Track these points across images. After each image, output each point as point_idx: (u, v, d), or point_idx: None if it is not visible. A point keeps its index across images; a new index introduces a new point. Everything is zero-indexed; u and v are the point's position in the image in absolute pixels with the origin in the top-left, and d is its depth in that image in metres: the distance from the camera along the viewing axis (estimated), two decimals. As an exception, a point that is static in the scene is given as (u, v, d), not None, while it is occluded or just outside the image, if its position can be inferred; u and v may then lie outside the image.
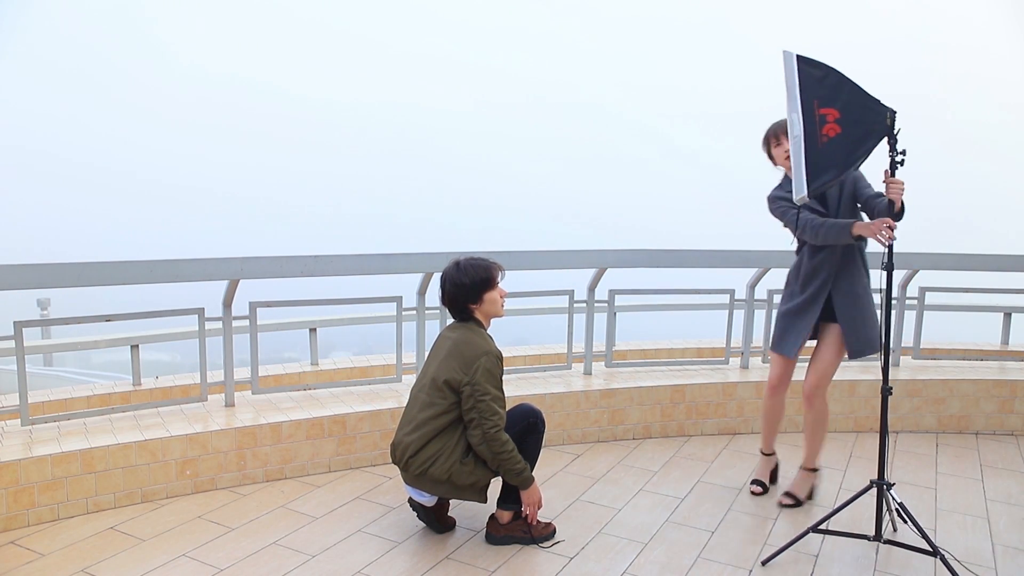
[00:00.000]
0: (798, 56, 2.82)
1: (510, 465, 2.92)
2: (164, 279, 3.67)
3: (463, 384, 2.89)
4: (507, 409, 3.14)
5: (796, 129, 2.80)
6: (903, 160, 2.78)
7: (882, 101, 2.75)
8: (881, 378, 2.89)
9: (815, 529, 2.93)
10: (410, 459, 2.94)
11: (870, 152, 2.79)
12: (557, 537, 3.13)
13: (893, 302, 5.02)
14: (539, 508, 3.06)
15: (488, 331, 3.09)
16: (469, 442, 2.93)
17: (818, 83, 2.78)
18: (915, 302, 5.02)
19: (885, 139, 2.76)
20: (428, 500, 3.07)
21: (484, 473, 2.97)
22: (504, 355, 5.31)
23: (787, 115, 2.86)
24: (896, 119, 2.73)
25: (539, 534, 3.10)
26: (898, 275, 5.03)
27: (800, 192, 2.81)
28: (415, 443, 2.93)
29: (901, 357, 4.99)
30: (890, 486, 2.89)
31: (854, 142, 2.77)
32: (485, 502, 3.04)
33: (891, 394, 2.90)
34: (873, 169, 2.88)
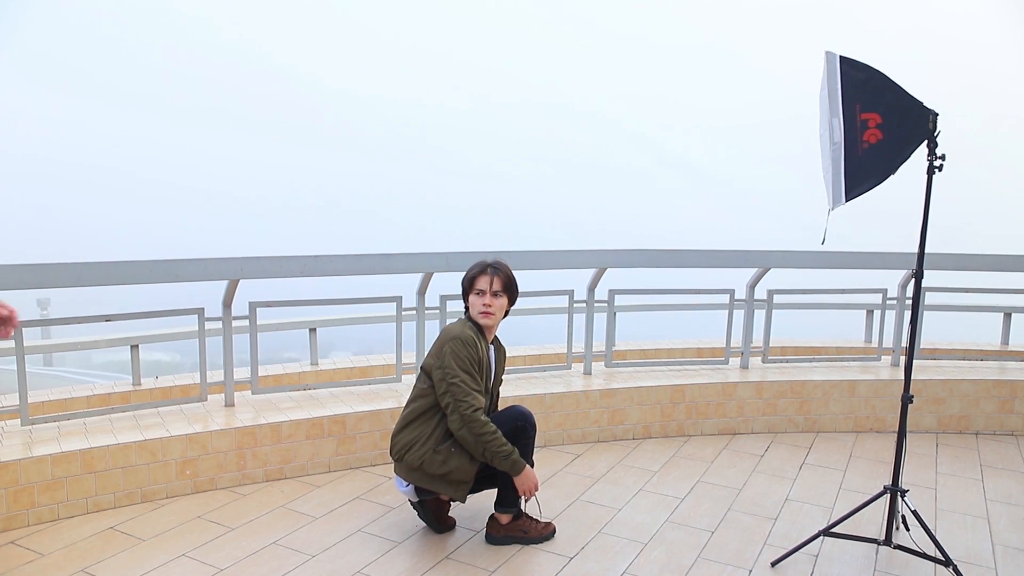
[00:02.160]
0: (841, 57, 2.73)
1: (495, 448, 2.87)
2: (164, 279, 3.67)
3: (434, 368, 2.94)
4: (498, 409, 3.14)
5: (836, 135, 2.72)
6: (941, 165, 2.66)
7: (924, 103, 2.64)
8: (904, 383, 2.89)
9: (826, 532, 2.93)
10: (393, 439, 3.03)
11: (909, 157, 2.71)
12: (557, 537, 3.13)
13: (892, 302, 5.04)
14: (535, 492, 2.98)
15: (493, 330, 3.09)
16: (450, 430, 2.92)
17: (861, 86, 2.70)
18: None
19: (925, 143, 2.66)
20: (407, 490, 3.06)
21: (459, 465, 2.92)
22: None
23: (825, 120, 2.77)
24: (938, 121, 2.63)
25: (538, 534, 3.09)
26: (897, 275, 5.03)
27: (838, 201, 2.76)
28: (397, 424, 3.04)
29: (901, 357, 4.99)
30: (904, 493, 2.89)
31: (896, 149, 2.70)
32: (463, 500, 3.01)
33: (912, 402, 2.90)
34: (907, 174, 2.79)
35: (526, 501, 3.05)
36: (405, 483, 3.04)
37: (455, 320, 3.12)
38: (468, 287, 3.07)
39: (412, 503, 3.16)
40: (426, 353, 3.18)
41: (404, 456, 2.97)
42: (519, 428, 3.02)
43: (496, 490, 3.09)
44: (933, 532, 2.87)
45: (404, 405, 3.09)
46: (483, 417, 2.88)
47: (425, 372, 3.02)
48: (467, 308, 3.08)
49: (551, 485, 3.67)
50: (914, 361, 2.89)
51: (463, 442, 2.90)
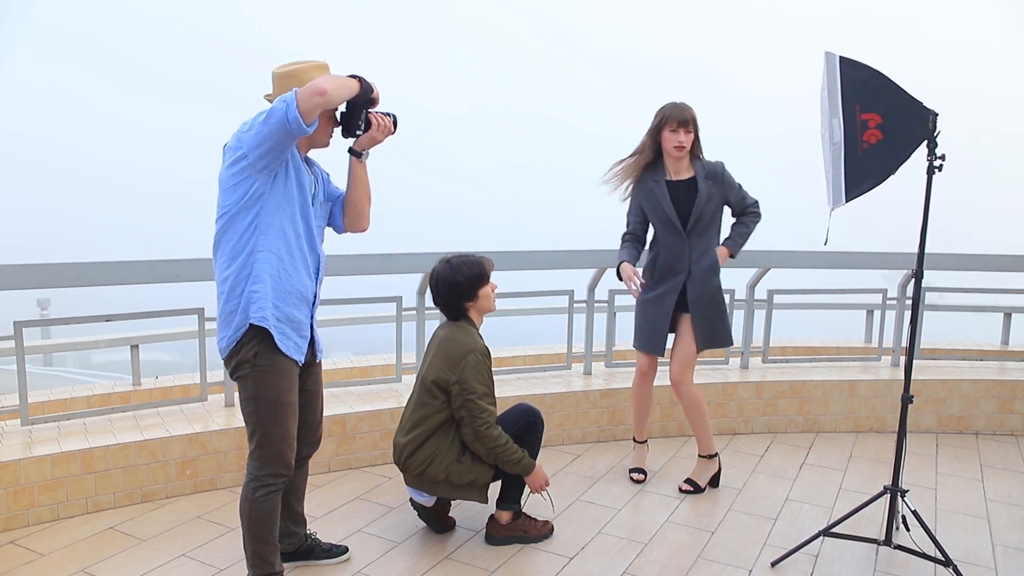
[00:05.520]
0: (841, 58, 2.75)
1: (507, 456, 2.92)
2: (164, 279, 3.67)
3: (451, 383, 2.89)
4: (505, 409, 3.14)
5: (836, 135, 2.73)
6: (941, 165, 2.67)
7: (924, 103, 2.65)
8: (904, 383, 2.88)
9: (826, 532, 2.93)
10: (408, 460, 2.95)
11: (909, 157, 2.71)
12: (557, 537, 3.13)
13: (892, 302, 5.04)
14: (547, 486, 3.06)
15: (480, 328, 3.07)
16: (463, 440, 2.94)
17: (861, 87, 2.71)
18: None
19: (924, 143, 2.66)
20: (428, 500, 3.07)
21: (482, 471, 2.97)
22: (504, 355, 5.26)
23: (825, 120, 2.79)
24: (938, 122, 2.64)
25: (538, 533, 3.10)
26: (897, 275, 5.03)
27: (839, 202, 2.77)
28: (411, 444, 2.94)
29: (901, 357, 4.99)
30: (904, 493, 2.89)
31: (895, 149, 2.71)
32: (485, 502, 3.04)
33: (911, 403, 2.90)
34: (908, 173, 2.79)
35: (543, 496, 3.10)
36: (427, 495, 3.05)
37: (449, 323, 3.06)
38: (482, 281, 3.00)
39: (414, 503, 3.16)
40: (424, 356, 3.14)
41: (425, 470, 2.93)
42: (529, 424, 3.07)
43: (498, 489, 3.11)
44: (933, 532, 2.87)
45: (412, 419, 2.98)
46: (495, 431, 2.90)
47: (439, 387, 2.91)
48: (467, 308, 3.02)
49: (551, 485, 3.67)
50: (914, 361, 2.88)
51: (474, 451, 2.94)
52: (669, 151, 3.40)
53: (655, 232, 3.56)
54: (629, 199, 3.59)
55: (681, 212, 3.44)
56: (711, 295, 3.52)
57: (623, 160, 3.54)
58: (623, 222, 3.65)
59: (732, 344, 3.70)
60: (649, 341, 3.59)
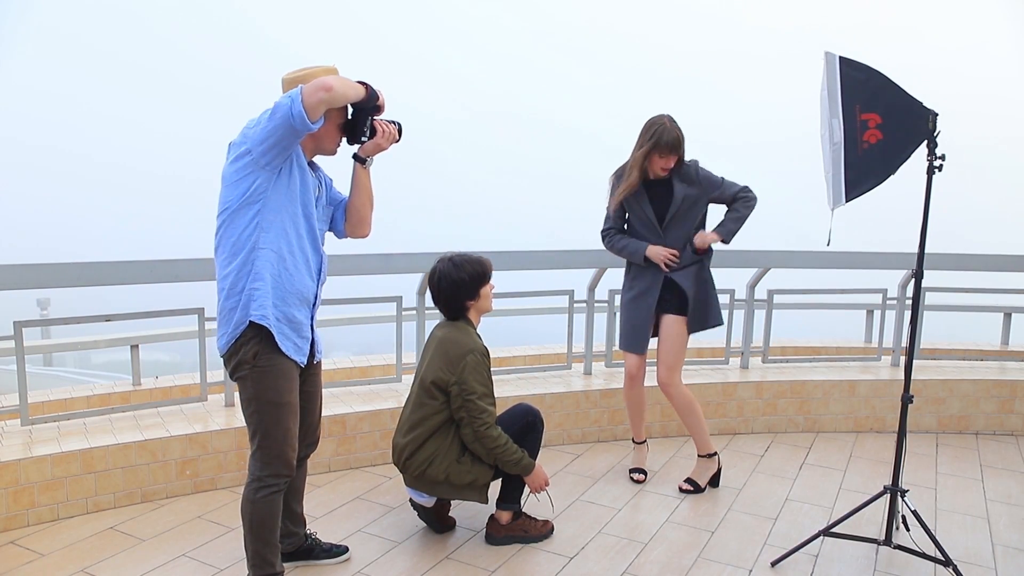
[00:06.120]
0: (841, 58, 2.75)
1: (507, 456, 2.92)
2: (164, 279, 3.67)
3: (450, 384, 2.88)
4: (505, 409, 3.14)
5: (836, 136, 2.74)
6: (941, 165, 2.67)
7: (924, 103, 2.66)
8: (904, 383, 2.88)
9: (826, 532, 2.93)
10: (407, 460, 2.95)
11: (909, 157, 2.72)
12: (557, 537, 3.13)
13: (892, 302, 5.04)
14: (547, 486, 3.06)
15: (478, 328, 3.07)
16: (463, 440, 2.94)
17: (861, 87, 2.72)
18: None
19: (924, 143, 2.66)
20: (427, 501, 3.07)
21: (482, 471, 2.96)
22: (504, 355, 5.27)
23: (825, 120, 2.79)
24: (937, 121, 2.65)
25: (538, 532, 3.10)
26: (897, 275, 5.03)
27: (839, 202, 2.77)
28: (411, 445, 2.94)
29: (901, 357, 4.99)
30: (904, 493, 2.89)
31: (895, 148, 2.71)
32: (486, 502, 3.04)
33: (911, 402, 2.90)
34: (907, 173, 2.79)
35: (538, 498, 3.08)
36: (427, 495, 3.05)
37: (447, 323, 3.05)
38: (484, 280, 3.01)
39: (413, 503, 3.16)
40: (422, 356, 3.14)
41: (425, 471, 2.92)
42: (529, 424, 3.07)
43: (499, 488, 3.11)
44: (933, 532, 2.87)
45: (411, 420, 2.97)
46: (495, 431, 2.90)
47: (438, 387, 2.90)
48: (468, 306, 3.01)
49: (551, 485, 3.66)
50: (914, 361, 2.89)
51: (474, 451, 2.94)
52: (655, 172, 3.44)
53: (631, 230, 3.59)
54: (610, 196, 3.60)
55: (658, 211, 3.49)
56: (697, 274, 3.54)
57: (621, 184, 3.51)
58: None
59: (722, 323, 3.72)
60: (632, 341, 3.61)
